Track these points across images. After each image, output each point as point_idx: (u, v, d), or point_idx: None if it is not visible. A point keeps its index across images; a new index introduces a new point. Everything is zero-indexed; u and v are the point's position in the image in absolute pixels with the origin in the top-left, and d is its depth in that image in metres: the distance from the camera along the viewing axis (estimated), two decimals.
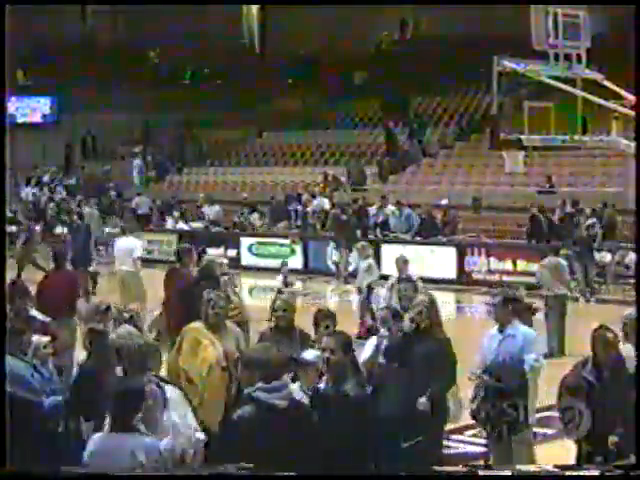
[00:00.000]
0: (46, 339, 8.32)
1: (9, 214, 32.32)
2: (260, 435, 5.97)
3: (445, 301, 19.97)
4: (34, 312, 10.18)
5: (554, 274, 15.13)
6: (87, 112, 37.13)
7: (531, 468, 6.30)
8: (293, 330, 8.49)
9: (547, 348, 14.10)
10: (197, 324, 8.39)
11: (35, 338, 8.27)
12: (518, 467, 6.52)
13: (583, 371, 7.63)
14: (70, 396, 7.70)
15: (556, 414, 8.09)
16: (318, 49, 38.17)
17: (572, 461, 7.54)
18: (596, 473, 5.72)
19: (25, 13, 35.97)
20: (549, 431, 10.23)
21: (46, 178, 36.82)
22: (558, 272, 15.17)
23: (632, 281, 19.95)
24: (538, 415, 9.24)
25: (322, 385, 6.77)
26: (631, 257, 20.61)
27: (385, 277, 16.37)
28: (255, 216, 28.80)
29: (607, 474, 5.59)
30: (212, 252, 26.64)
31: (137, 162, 36.76)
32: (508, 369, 8.27)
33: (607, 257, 21.76)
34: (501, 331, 8.55)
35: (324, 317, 8.36)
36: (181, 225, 29.26)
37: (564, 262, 15.65)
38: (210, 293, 8.61)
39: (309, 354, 7.23)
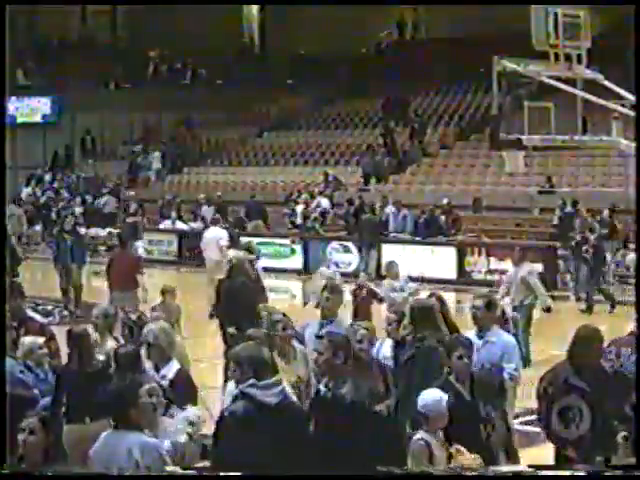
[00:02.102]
0: (41, 340, 8.31)
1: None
2: (250, 431, 5.98)
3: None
4: (31, 313, 10.19)
5: (522, 284, 14.51)
6: (87, 112, 37.13)
7: (528, 469, 6.29)
8: (373, 363, 7.59)
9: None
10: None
11: (31, 339, 8.26)
12: (516, 468, 6.51)
13: (566, 376, 7.37)
14: (52, 399, 7.72)
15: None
16: (318, 49, 38.17)
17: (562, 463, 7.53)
18: (592, 473, 5.73)
19: (25, 13, 36.04)
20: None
21: (47, 178, 36.80)
22: (526, 282, 14.53)
23: (632, 281, 19.94)
24: (537, 416, 9.20)
25: (321, 387, 6.76)
26: (631, 257, 20.61)
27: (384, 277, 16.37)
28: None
29: (607, 474, 5.59)
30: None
31: (156, 154, 36.72)
32: (489, 376, 8.12)
33: (607, 257, 21.74)
34: (480, 337, 8.33)
35: (457, 346, 7.35)
36: (180, 225, 29.28)
37: (534, 273, 15.10)
38: (276, 314, 8.14)
39: None
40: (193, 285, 20.70)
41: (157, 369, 7.57)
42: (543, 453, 8.93)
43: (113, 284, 15.48)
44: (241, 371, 6.25)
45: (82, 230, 24.44)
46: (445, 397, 6.64)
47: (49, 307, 19.28)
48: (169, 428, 6.36)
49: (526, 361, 13.29)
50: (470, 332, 8.46)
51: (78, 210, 30.94)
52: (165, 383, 7.20)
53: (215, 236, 19.75)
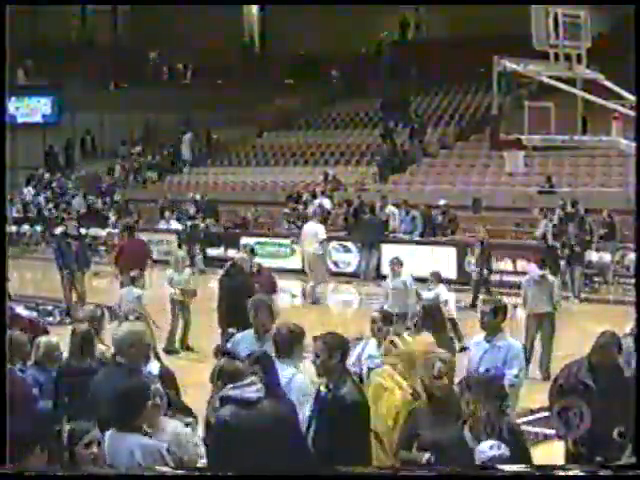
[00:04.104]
0: (55, 339, 8.30)
1: (15, 214, 32.48)
2: (241, 431, 6.02)
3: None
4: (19, 309, 10.19)
5: (539, 291, 13.91)
6: (87, 112, 37.13)
7: (528, 468, 6.28)
8: (450, 404, 6.56)
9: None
10: (384, 366, 7.26)
11: (46, 339, 8.24)
12: (516, 467, 6.50)
13: (579, 373, 7.56)
14: (56, 398, 7.70)
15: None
16: (318, 49, 38.18)
17: (571, 461, 7.54)
18: (592, 473, 5.71)
19: (26, 13, 36.02)
20: (549, 431, 10.22)
21: (46, 178, 36.78)
22: (544, 288, 13.93)
23: (632, 281, 19.96)
24: (538, 415, 9.23)
25: (321, 388, 6.76)
26: (631, 257, 20.62)
27: (384, 277, 16.41)
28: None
29: (606, 474, 5.58)
30: (212, 252, 26.74)
31: (187, 136, 36.62)
32: (489, 381, 8.04)
33: (607, 257, 21.76)
34: (488, 341, 8.39)
35: (464, 389, 6.42)
36: (176, 225, 29.27)
37: (551, 277, 14.45)
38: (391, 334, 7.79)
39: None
40: (192, 285, 20.66)
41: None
42: (543, 453, 8.96)
43: (124, 268, 16.71)
44: (219, 384, 6.47)
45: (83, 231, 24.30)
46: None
47: (49, 307, 19.26)
48: (167, 428, 6.35)
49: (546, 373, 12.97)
50: (479, 336, 8.49)
51: (81, 212, 30.95)
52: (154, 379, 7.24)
53: (312, 230, 20.94)
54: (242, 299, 11.46)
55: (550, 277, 14.26)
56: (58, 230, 21.95)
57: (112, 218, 30.70)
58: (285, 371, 6.89)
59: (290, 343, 7.09)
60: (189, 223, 28.08)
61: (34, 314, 10.13)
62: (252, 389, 6.18)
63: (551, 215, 23.19)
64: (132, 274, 14.63)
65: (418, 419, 6.61)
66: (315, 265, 20.73)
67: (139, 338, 7.09)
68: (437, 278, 15.24)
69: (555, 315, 13.86)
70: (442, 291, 15.00)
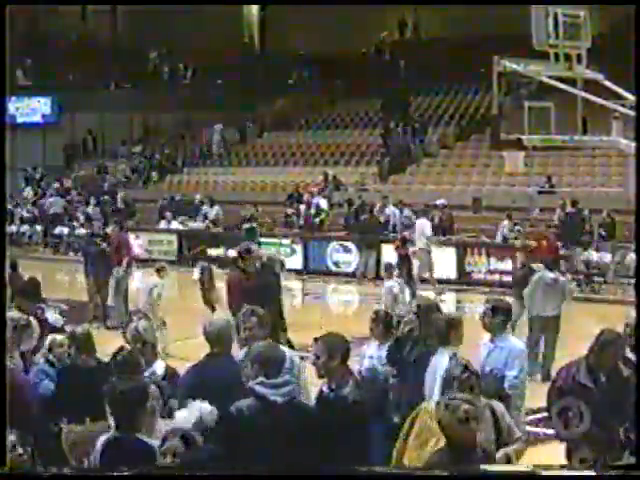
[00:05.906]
0: (61, 337, 8.31)
1: (25, 214, 32.49)
2: (256, 429, 5.99)
3: (445, 301, 20.00)
4: (49, 314, 10.24)
5: (551, 294, 13.66)
6: (87, 112, 37.13)
7: (529, 468, 6.29)
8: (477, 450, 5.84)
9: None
10: (433, 404, 6.41)
11: (51, 337, 8.26)
12: (516, 467, 6.51)
13: (578, 375, 7.51)
14: (54, 397, 7.70)
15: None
16: (318, 49, 38.17)
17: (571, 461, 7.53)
18: (594, 473, 5.72)
19: (26, 13, 36.01)
20: (549, 431, 10.21)
21: (37, 177, 36.74)
22: (556, 291, 13.68)
23: (632, 281, 19.96)
24: (538, 415, 9.22)
25: (324, 388, 6.76)
26: (631, 257, 20.62)
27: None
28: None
29: (606, 474, 5.58)
30: (212, 252, 26.73)
31: (218, 127, 36.44)
32: (491, 382, 7.99)
33: (607, 257, 21.76)
34: (492, 341, 8.40)
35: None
36: (176, 225, 29.27)
37: (562, 279, 14.20)
38: (452, 362, 7.09)
39: None
40: (192, 285, 20.64)
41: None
42: (544, 453, 8.96)
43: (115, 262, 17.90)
44: (252, 369, 6.31)
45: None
46: None
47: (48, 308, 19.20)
48: (164, 429, 6.35)
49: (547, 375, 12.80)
50: (487, 336, 8.51)
51: (51, 212, 30.95)
52: (159, 380, 7.22)
53: (420, 227, 22.20)
54: (269, 300, 11.33)
55: (562, 279, 14.14)
56: (83, 231, 22.24)
57: (81, 217, 30.75)
58: (444, 357, 7.64)
59: (447, 331, 8.03)
60: (247, 225, 27.51)
61: (60, 322, 10.16)
62: (281, 391, 6.12)
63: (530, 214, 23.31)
64: (157, 267, 15.14)
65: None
66: (422, 258, 21.47)
67: (229, 329, 7.50)
68: (388, 271, 15.38)
69: (560, 318, 13.78)
70: (393, 284, 15.07)
